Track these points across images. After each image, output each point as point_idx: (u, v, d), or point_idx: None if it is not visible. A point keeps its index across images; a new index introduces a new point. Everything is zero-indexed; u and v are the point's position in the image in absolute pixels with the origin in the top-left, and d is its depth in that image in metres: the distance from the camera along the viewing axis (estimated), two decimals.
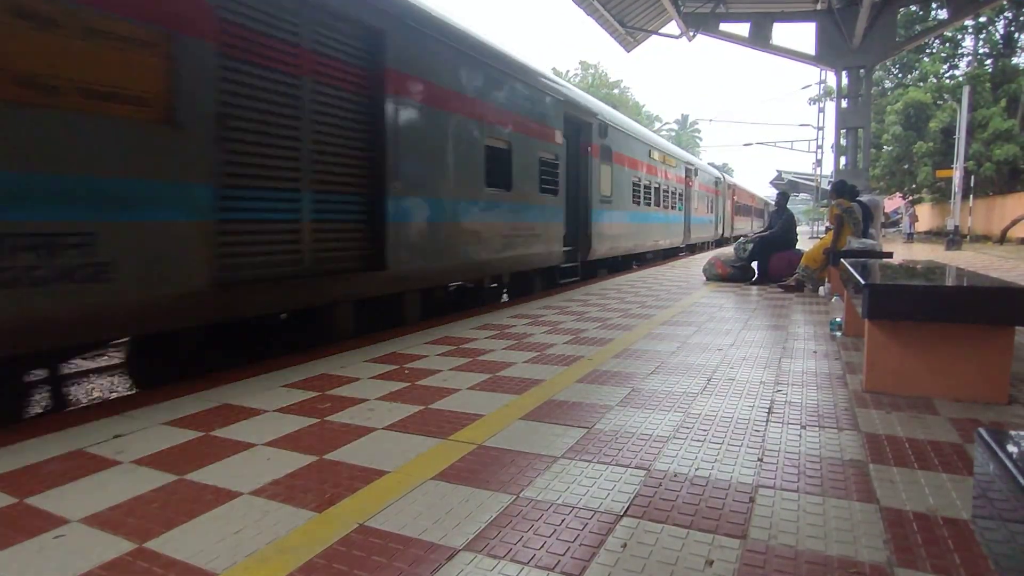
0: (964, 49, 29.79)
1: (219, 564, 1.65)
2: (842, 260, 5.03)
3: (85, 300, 3.07)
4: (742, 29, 16.75)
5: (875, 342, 3.21)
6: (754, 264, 9.33)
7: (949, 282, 3.49)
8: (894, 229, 35.63)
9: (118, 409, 3.06)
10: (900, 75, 32.49)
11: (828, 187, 13.17)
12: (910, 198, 33.38)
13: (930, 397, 3.10)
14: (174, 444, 2.57)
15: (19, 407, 3.69)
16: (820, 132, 29.99)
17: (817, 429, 2.64)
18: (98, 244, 3.12)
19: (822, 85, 30.21)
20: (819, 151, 31.14)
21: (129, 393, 3.45)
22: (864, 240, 7.40)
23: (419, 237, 5.67)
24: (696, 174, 18.74)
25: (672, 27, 17.26)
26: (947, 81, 28.89)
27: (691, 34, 16.77)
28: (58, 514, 1.95)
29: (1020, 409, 2.92)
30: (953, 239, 19.39)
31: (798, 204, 58.84)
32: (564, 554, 1.66)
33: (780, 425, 2.69)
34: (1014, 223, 22.11)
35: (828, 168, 27.18)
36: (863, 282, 3.24)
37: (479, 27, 7.00)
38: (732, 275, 9.29)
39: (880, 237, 10.43)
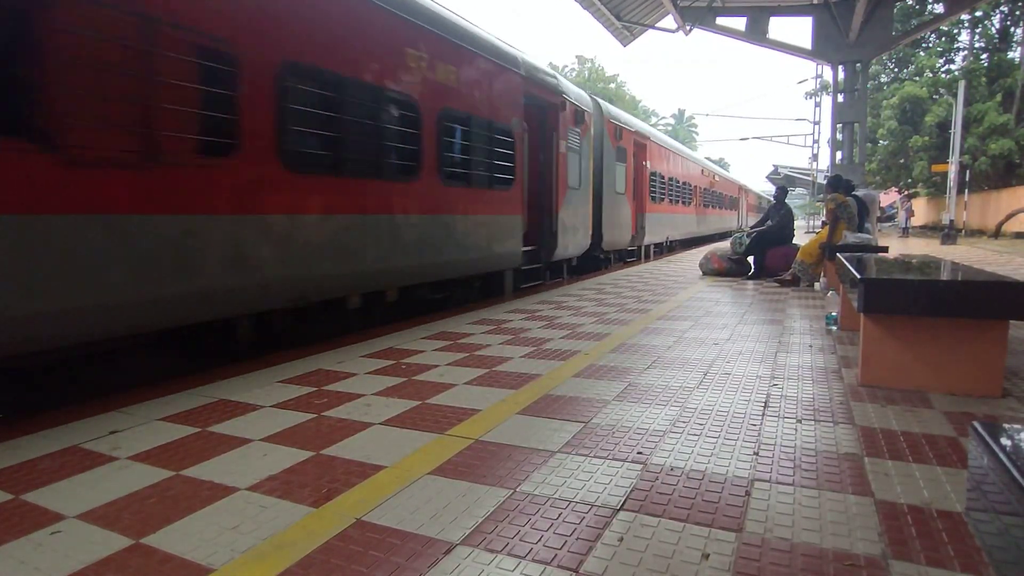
0: (960, 43, 29.82)
1: (216, 560, 1.65)
2: (838, 255, 5.04)
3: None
4: (739, 23, 16.75)
5: (870, 336, 3.22)
6: (750, 259, 9.35)
7: (944, 277, 3.50)
8: (890, 223, 35.72)
9: (114, 405, 3.05)
10: (896, 69, 32.50)
11: (824, 182, 13.25)
12: (906, 192, 33.45)
13: (925, 391, 3.11)
14: (170, 440, 2.56)
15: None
16: (816, 127, 29.99)
17: (813, 423, 2.65)
18: None
19: (818, 80, 30.19)
20: (815, 146, 31.17)
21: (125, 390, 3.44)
22: (860, 235, 7.42)
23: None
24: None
25: (669, 21, 17.23)
26: (943, 75, 28.91)
27: (688, 28, 16.75)
28: (54, 510, 1.95)
29: (1014, 403, 2.93)
30: (948, 233, 19.42)
31: (794, 199, 58.89)
32: (561, 548, 1.67)
33: (776, 419, 2.70)
34: (1009, 217, 22.17)
35: (824, 163, 27.25)
36: (858, 276, 3.25)
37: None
38: (728, 270, 9.31)
39: (876, 231, 10.44)
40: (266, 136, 4.00)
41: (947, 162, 21.57)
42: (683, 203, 17.78)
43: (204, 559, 1.65)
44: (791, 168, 44.97)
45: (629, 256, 13.56)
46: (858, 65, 15.81)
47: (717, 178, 24.99)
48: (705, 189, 21.72)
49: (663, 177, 15.24)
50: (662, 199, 15.17)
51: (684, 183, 17.86)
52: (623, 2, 16.07)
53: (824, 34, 15.87)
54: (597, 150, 10.74)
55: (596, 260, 11.36)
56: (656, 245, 15.49)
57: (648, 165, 13.76)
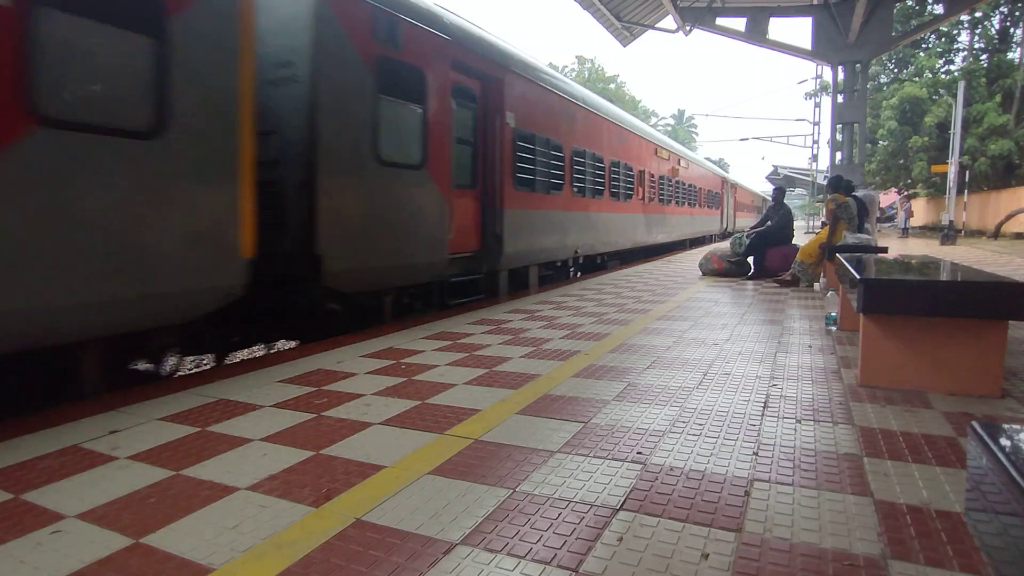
0: (959, 44, 29.84)
1: (216, 559, 1.65)
2: (837, 255, 5.05)
3: None
4: (738, 23, 16.75)
5: (870, 336, 3.22)
6: (750, 259, 9.36)
7: (943, 277, 3.51)
8: (889, 224, 35.76)
9: (113, 405, 3.05)
10: (896, 70, 32.50)
11: (824, 182, 13.28)
12: (905, 193, 33.47)
13: (924, 391, 3.11)
14: (170, 439, 2.56)
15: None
16: (816, 127, 30.01)
17: (812, 423, 2.65)
18: None
19: (818, 80, 30.21)
20: (815, 146, 31.21)
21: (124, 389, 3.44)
22: (859, 235, 7.42)
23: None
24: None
25: (668, 21, 17.24)
26: (942, 76, 28.93)
27: (688, 28, 16.77)
28: (54, 510, 1.95)
29: (1013, 403, 2.94)
30: (948, 234, 19.43)
31: (794, 199, 59.01)
32: (561, 548, 1.67)
33: (775, 419, 2.70)
34: (1008, 218, 22.18)
35: (824, 163, 27.24)
36: (858, 277, 3.25)
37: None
38: (728, 270, 9.32)
39: (875, 232, 10.44)
40: None
41: (947, 163, 21.59)
42: (614, 196, 11.48)
43: (204, 559, 1.65)
44: (791, 168, 45.00)
45: (467, 292, 6.80)
46: (858, 65, 15.82)
47: (684, 164, 18.36)
48: (664, 178, 15.38)
49: (559, 147, 8.90)
50: (558, 186, 8.89)
51: (615, 164, 11.50)
52: (623, 2, 16.07)
53: (824, 34, 15.88)
54: (302, 59, 4.69)
55: (299, 315, 5.12)
56: (546, 266, 9.02)
57: (512, 121, 7.43)
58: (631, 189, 12.61)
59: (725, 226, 26.92)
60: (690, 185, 19.20)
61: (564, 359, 3.89)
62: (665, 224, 15.76)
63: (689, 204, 19.12)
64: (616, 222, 11.77)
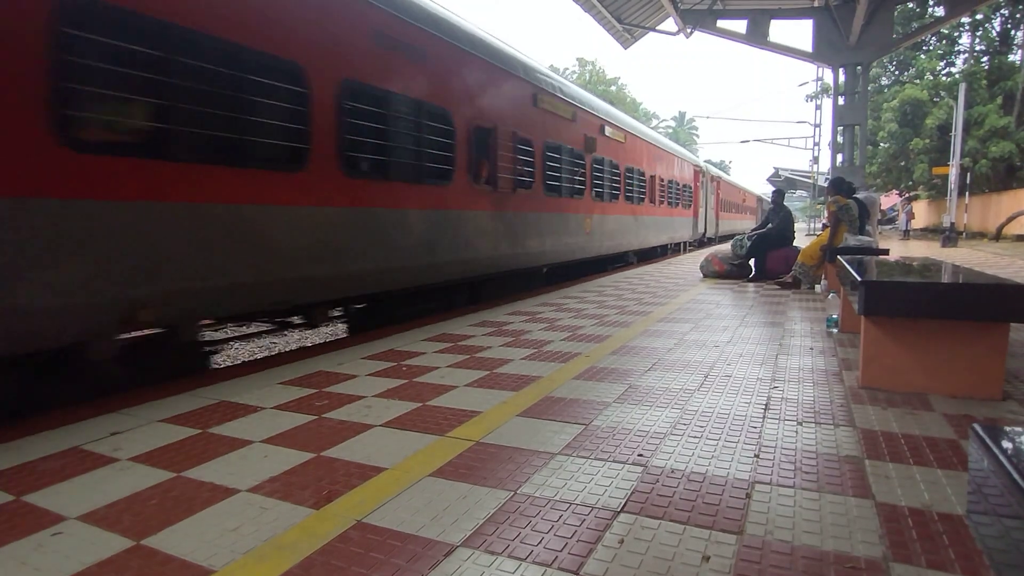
0: (960, 46, 29.84)
1: (217, 561, 1.65)
2: (838, 257, 5.04)
3: None
4: (739, 26, 16.75)
5: (871, 338, 3.22)
6: (751, 261, 9.36)
7: (944, 279, 3.50)
8: (890, 226, 35.74)
9: (115, 406, 3.05)
10: (897, 72, 32.51)
11: (825, 184, 13.20)
12: (906, 195, 33.46)
13: (925, 393, 3.11)
14: (171, 441, 2.56)
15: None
16: (817, 129, 29.98)
17: (813, 425, 2.65)
18: None
19: (819, 82, 30.20)
20: (816, 148, 31.18)
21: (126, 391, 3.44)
22: (860, 237, 7.42)
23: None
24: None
25: (670, 24, 17.25)
26: (943, 78, 28.92)
27: (688, 31, 16.78)
28: (55, 511, 1.95)
29: (1014, 405, 2.93)
30: (949, 236, 19.42)
31: (795, 201, 58.96)
32: (562, 550, 1.67)
33: (776, 421, 2.70)
34: (1009, 220, 22.17)
35: (825, 165, 27.24)
36: (859, 279, 3.24)
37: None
38: (729, 272, 9.32)
39: (876, 234, 10.43)
40: None
41: (948, 165, 21.58)
42: (381, 171, 5.30)
43: (205, 560, 1.65)
44: (792, 170, 44.98)
45: None
46: (858, 68, 15.82)
47: (619, 136, 12.05)
48: (566, 151, 9.18)
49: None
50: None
51: (381, 97, 5.20)
52: (624, 4, 16.09)
53: (825, 37, 15.88)
54: None
55: None
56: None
57: None
58: (445, 161, 6.27)
59: (704, 231, 20.95)
60: (633, 170, 12.97)
61: (565, 361, 3.89)
62: (567, 230, 9.53)
63: (630, 200, 12.82)
64: (367, 225, 5.24)
